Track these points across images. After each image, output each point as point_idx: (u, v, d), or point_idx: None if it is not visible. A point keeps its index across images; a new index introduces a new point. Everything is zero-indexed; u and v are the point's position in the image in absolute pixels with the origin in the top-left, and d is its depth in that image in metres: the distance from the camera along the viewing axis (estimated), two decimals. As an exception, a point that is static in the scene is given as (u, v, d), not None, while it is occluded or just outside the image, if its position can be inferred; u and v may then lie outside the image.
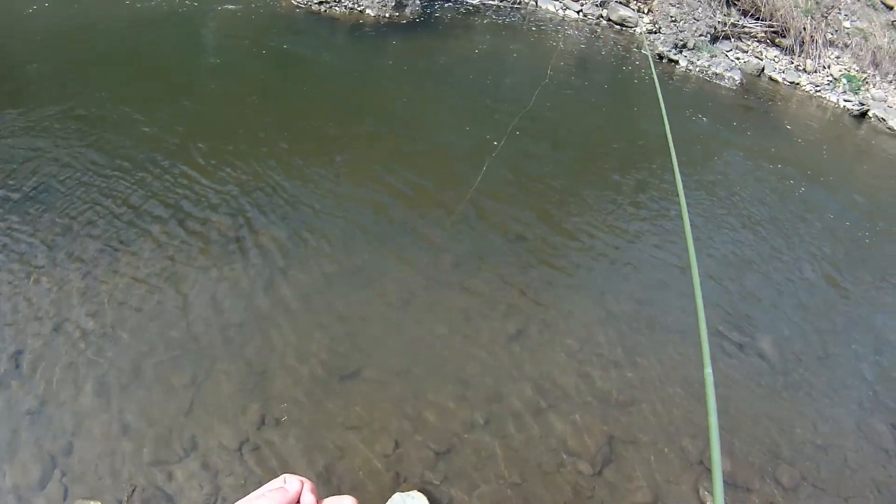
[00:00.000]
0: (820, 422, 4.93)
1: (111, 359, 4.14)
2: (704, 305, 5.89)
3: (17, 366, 4.01)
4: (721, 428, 4.67)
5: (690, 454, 4.40)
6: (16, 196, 5.32)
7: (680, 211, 2.57)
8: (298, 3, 11.11)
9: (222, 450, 3.79)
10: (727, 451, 4.49)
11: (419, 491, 3.81)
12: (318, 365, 4.38)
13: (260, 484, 0.82)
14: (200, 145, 6.44)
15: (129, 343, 4.27)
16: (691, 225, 7.62)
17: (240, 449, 3.80)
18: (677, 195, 7.44)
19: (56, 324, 4.31)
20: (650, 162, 8.46)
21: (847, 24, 14.36)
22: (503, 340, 4.96)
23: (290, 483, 0.79)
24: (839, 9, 14.55)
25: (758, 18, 14.07)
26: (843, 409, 5.13)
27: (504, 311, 5.23)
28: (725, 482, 4.31)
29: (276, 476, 0.81)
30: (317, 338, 4.58)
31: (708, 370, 1.93)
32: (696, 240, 6.70)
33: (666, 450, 4.38)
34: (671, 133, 2.50)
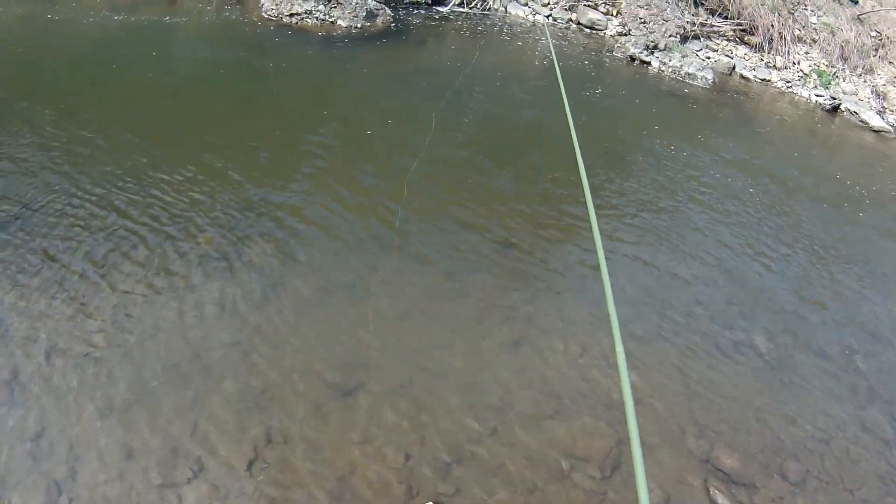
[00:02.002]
0: (819, 416, 5.00)
1: (108, 383, 4.02)
2: (697, 304, 5.90)
3: (11, 391, 3.87)
4: (728, 424, 4.73)
5: (697, 453, 4.43)
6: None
7: (587, 211, 2.66)
8: (269, 15, 10.97)
9: (231, 470, 3.70)
10: (735, 448, 4.53)
11: (433, 503, 3.78)
12: (320, 380, 4.31)
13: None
14: (177, 165, 6.31)
15: (124, 366, 4.15)
16: (661, 223, 7.57)
17: (249, 469, 3.72)
18: (670, 197, 7.45)
19: (48, 349, 4.16)
20: (633, 160, 8.53)
21: (814, 19, 14.64)
22: (504, 348, 4.94)
23: None
24: (805, 4, 14.81)
25: (726, 17, 14.23)
26: (840, 402, 5.21)
27: (502, 318, 5.21)
28: (734, 481, 4.36)
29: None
30: (317, 353, 4.50)
31: (619, 348, 2.00)
32: (680, 241, 6.77)
33: (673, 450, 4.41)
34: (578, 122, 2.49)
